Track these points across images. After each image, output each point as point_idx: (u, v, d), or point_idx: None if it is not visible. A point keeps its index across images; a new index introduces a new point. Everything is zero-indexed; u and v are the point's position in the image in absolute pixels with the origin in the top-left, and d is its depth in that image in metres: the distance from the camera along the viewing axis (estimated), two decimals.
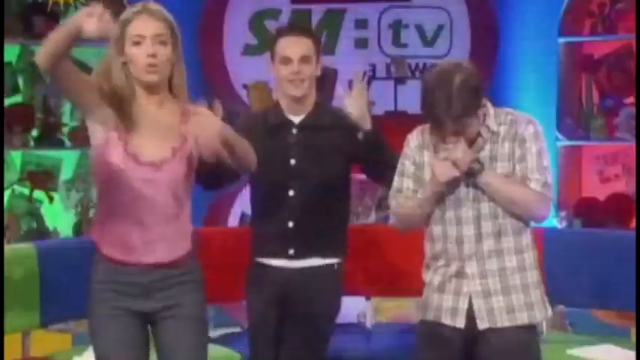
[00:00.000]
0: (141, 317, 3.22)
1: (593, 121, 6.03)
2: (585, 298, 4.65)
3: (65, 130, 5.93)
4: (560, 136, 6.03)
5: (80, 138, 5.87)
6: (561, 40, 6.04)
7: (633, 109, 5.95)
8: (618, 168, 6.16)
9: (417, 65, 6.11)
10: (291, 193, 3.88)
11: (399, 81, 5.95)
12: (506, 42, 6.15)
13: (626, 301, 4.47)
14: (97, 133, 3.17)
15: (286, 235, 3.89)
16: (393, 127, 5.62)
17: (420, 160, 3.43)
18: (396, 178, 3.49)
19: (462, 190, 3.35)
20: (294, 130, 3.92)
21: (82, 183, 6.03)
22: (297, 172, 3.89)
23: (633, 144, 5.99)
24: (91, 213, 5.96)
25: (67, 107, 5.95)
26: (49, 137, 5.82)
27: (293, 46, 3.85)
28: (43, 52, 2.97)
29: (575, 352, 4.23)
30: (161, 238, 3.21)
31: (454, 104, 3.17)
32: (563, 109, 6.06)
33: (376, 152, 3.88)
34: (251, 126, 3.89)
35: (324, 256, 3.93)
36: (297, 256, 3.90)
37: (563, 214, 5.92)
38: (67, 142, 5.91)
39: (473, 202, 3.34)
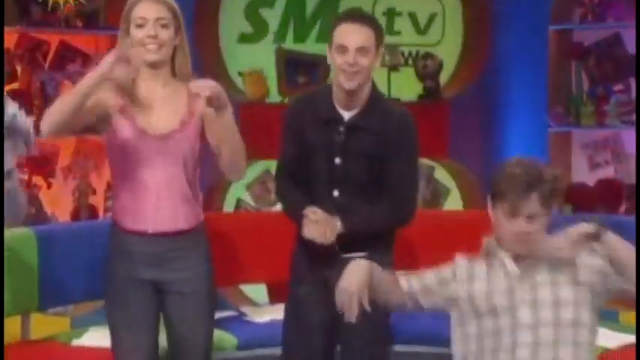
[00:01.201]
0: (152, 286, 3.35)
1: (582, 108, 6.04)
2: None
3: None
4: (550, 123, 6.02)
5: None
6: (552, 28, 6.04)
7: (622, 96, 5.98)
8: (607, 154, 6.17)
9: (409, 53, 6.08)
10: (335, 193, 3.67)
11: (393, 69, 5.90)
12: (498, 30, 6.10)
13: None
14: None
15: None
16: None
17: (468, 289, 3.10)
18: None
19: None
20: (342, 128, 3.63)
21: (79, 169, 6.00)
22: (342, 172, 3.66)
23: (622, 130, 6.02)
24: (90, 199, 5.96)
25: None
26: None
27: (351, 35, 3.52)
28: (54, 120, 3.18)
29: None
30: (172, 209, 3.36)
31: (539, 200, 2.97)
32: (554, 96, 6.06)
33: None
34: (302, 112, 3.72)
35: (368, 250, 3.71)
36: (342, 252, 3.67)
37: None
38: None
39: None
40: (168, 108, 3.37)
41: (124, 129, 3.31)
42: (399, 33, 6.08)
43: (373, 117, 3.63)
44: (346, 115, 3.62)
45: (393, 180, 3.67)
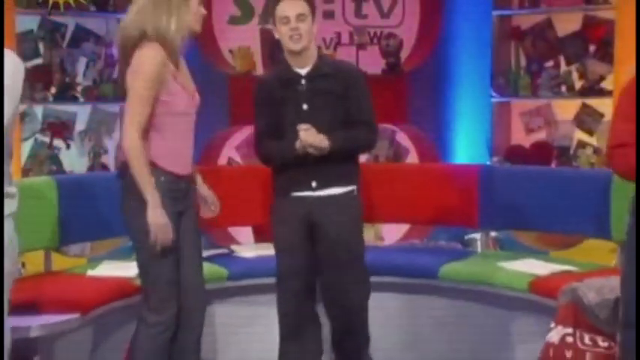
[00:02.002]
0: (179, 216, 3.49)
1: (520, 81, 6.05)
2: (512, 222, 4.77)
3: (79, 88, 5.91)
4: (493, 94, 6.07)
5: (92, 95, 5.91)
6: (494, 13, 6.06)
7: (552, 71, 6.01)
8: (541, 120, 6.17)
9: (374, 33, 6.07)
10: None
11: (361, 47, 5.97)
12: (449, 15, 6.14)
13: (544, 224, 4.62)
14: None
15: (307, 170, 3.82)
16: None
17: None
18: None
19: None
20: (303, 80, 3.85)
21: (93, 133, 6.03)
22: (309, 114, 3.81)
23: (552, 100, 6.07)
24: (102, 158, 6.01)
25: (81, 69, 5.96)
26: (66, 94, 5.79)
27: (290, 7, 3.77)
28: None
29: (503, 264, 4.32)
30: (191, 155, 3.55)
31: None
32: (496, 71, 6.07)
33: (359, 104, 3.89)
34: (269, 88, 3.91)
35: (342, 185, 3.90)
36: (319, 188, 3.86)
37: (495, 158, 5.99)
38: (81, 99, 5.90)
39: None
40: (187, 73, 3.54)
41: (177, 91, 3.39)
42: (365, 16, 6.10)
43: (325, 67, 3.87)
44: (303, 71, 3.85)
45: (360, 112, 3.87)
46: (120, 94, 3.91)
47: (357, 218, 3.95)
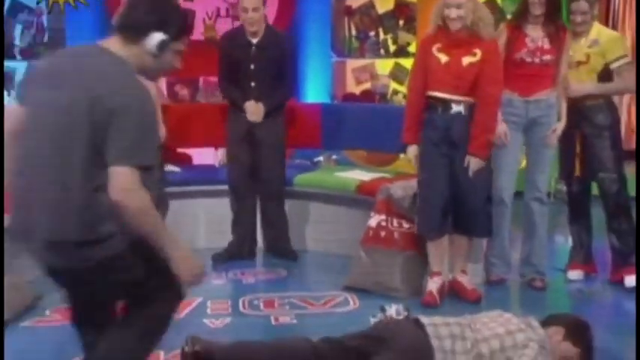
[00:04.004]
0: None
1: (352, 46, 6.07)
2: (346, 145, 4.77)
3: (16, 49, 5.47)
4: (333, 55, 6.03)
5: (27, 54, 5.48)
6: None
7: (374, 39, 6.03)
8: (367, 75, 6.23)
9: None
10: (252, 84, 4.01)
11: (235, 18, 5.70)
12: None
13: (369, 145, 4.64)
14: None
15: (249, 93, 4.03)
16: None
17: None
18: None
19: None
20: (253, 48, 4.00)
21: None
22: (255, 72, 4.00)
23: (375, 60, 6.10)
24: None
25: (17, 34, 5.50)
26: (6, 53, 5.36)
27: (248, 2, 3.95)
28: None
29: (339, 174, 4.33)
30: None
31: None
32: (335, 39, 6.04)
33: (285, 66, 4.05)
34: (230, 47, 4.02)
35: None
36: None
37: (335, 101, 5.98)
38: (18, 57, 5.47)
39: None
40: None
41: None
42: None
43: (268, 39, 4.01)
44: (254, 40, 4.00)
45: (288, 73, 4.07)
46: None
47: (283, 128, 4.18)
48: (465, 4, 3.25)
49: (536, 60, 3.51)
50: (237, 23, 5.68)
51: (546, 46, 3.50)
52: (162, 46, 2.00)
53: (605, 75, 3.59)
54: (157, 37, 1.98)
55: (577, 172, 3.68)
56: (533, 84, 3.53)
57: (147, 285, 1.99)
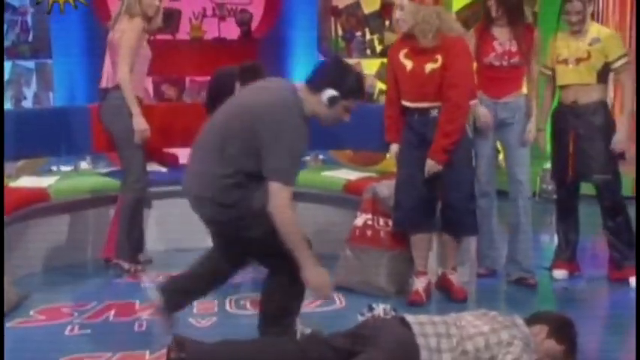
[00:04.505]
0: None
1: (338, 46, 6.08)
2: (333, 144, 4.72)
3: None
4: (319, 55, 6.02)
5: (11, 54, 5.43)
6: None
7: (360, 39, 6.05)
8: None
9: (232, 9, 5.90)
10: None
11: (221, 19, 5.77)
12: None
13: (355, 145, 4.63)
14: None
15: None
16: (218, 47, 5.50)
17: None
18: None
19: None
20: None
21: (14, 83, 5.57)
22: None
23: (361, 60, 6.10)
24: (23, 103, 5.57)
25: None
26: None
27: None
28: None
29: (326, 173, 4.32)
30: None
31: None
32: (322, 38, 6.07)
33: None
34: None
35: None
36: None
37: None
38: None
39: None
40: None
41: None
42: None
43: None
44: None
45: None
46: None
47: None
48: (407, 6, 3.21)
49: (505, 63, 3.53)
50: (223, 24, 5.76)
51: (514, 48, 3.52)
52: (333, 100, 2.50)
53: (604, 73, 3.57)
54: (329, 93, 2.48)
55: (570, 172, 3.63)
56: (503, 87, 3.57)
57: (275, 253, 2.49)
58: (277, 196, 2.38)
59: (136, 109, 3.55)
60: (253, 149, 2.43)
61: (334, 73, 2.51)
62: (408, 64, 3.29)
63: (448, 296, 3.45)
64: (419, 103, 3.30)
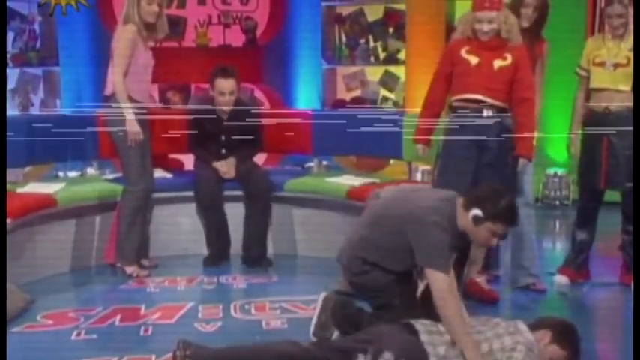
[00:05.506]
0: None
1: (342, 53, 6.05)
2: (336, 150, 4.76)
3: (9, 55, 5.43)
4: (323, 62, 6.01)
5: (19, 61, 5.45)
6: (323, 3, 5.98)
7: (364, 47, 6.02)
8: (357, 82, 6.19)
9: (236, 16, 5.86)
10: (223, 151, 4.13)
11: (226, 26, 5.77)
12: (291, 3, 6.02)
13: (359, 150, 4.60)
14: None
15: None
16: (223, 54, 5.52)
17: None
18: None
19: None
20: (224, 123, 4.12)
21: (21, 91, 5.58)
22: (227, 141, 4.13)
23: (365, 67, 6.09)
24: (30, 110, 5.59)
25: (10, 41, 5.46)
26: None
27: (224, 86, 4.02)
28: None
29: (330, 180, 4.32)
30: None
31: None
32: (326, 46, 6.02)
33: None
34: (202, 111, 4.12)
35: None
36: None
37: (326, 108, 5.96)
38: (10, 64, 5.43)
39: None
40: None
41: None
42: (229, 4, 5.85)
43: (238, 111, 4.11)
44: (224, 116, 4.12)
45: (257, 128, 4.20)
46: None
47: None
48: (496, 17, 3.25)
49: None
50: (228, 31, 5.78)
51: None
52: (476, 220, 2.58)
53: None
54: (474, 212, 2.58)
55: (602, 180, 3.52)
56: None
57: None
58: (438, 282, 2.55)
59: (128, 113, 3.57)
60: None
61: (485, 194, 2.61)
62: (473, 60, 3.29)
63: (477, 301, 3.33)
64: (484, 96, 3.26)
